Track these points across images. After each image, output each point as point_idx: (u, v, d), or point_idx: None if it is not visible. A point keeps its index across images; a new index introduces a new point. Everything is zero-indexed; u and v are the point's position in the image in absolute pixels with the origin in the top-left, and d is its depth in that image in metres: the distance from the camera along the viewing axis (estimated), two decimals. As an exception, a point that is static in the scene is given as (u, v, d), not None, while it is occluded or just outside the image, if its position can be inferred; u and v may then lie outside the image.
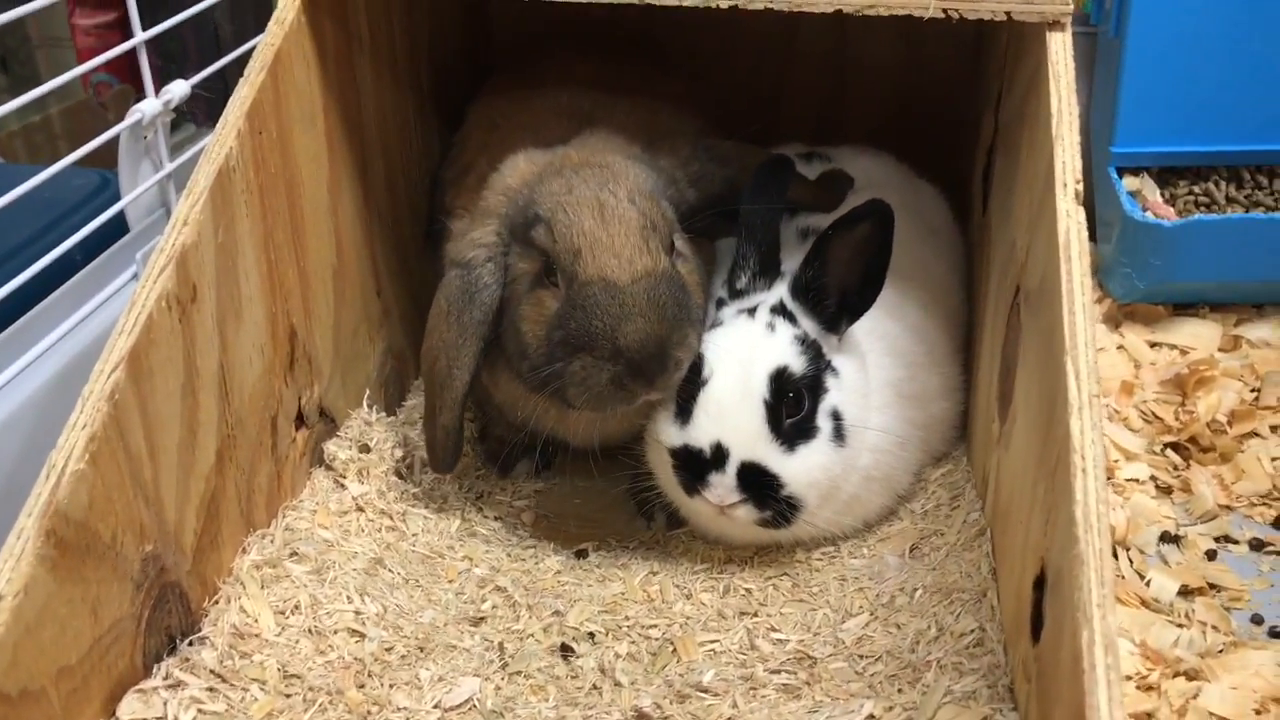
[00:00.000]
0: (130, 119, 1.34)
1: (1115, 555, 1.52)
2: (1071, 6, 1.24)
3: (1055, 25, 1.23)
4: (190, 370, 1.18)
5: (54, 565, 0.99)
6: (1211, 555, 1.53)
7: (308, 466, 1.44)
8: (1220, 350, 1.82)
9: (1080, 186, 1.13)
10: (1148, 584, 1.48)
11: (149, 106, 1.36)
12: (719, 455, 1.32)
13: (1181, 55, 1.80)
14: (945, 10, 1.24)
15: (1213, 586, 1.48)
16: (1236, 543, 1.56)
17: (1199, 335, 1.82)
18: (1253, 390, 1.74)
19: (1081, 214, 1.12)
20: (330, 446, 1.47)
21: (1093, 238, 1.98)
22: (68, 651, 1.02)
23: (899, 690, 1.21)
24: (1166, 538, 1.55)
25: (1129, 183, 1.86)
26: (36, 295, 1.24)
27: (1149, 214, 1.79)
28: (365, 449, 1.50)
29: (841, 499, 1.41)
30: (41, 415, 1.07)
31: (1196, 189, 1.88)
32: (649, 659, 1.29)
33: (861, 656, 1.28)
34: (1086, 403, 1.00)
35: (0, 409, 1.13)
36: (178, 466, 1.17)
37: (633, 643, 1.31)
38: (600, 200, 1.29)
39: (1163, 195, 1.87)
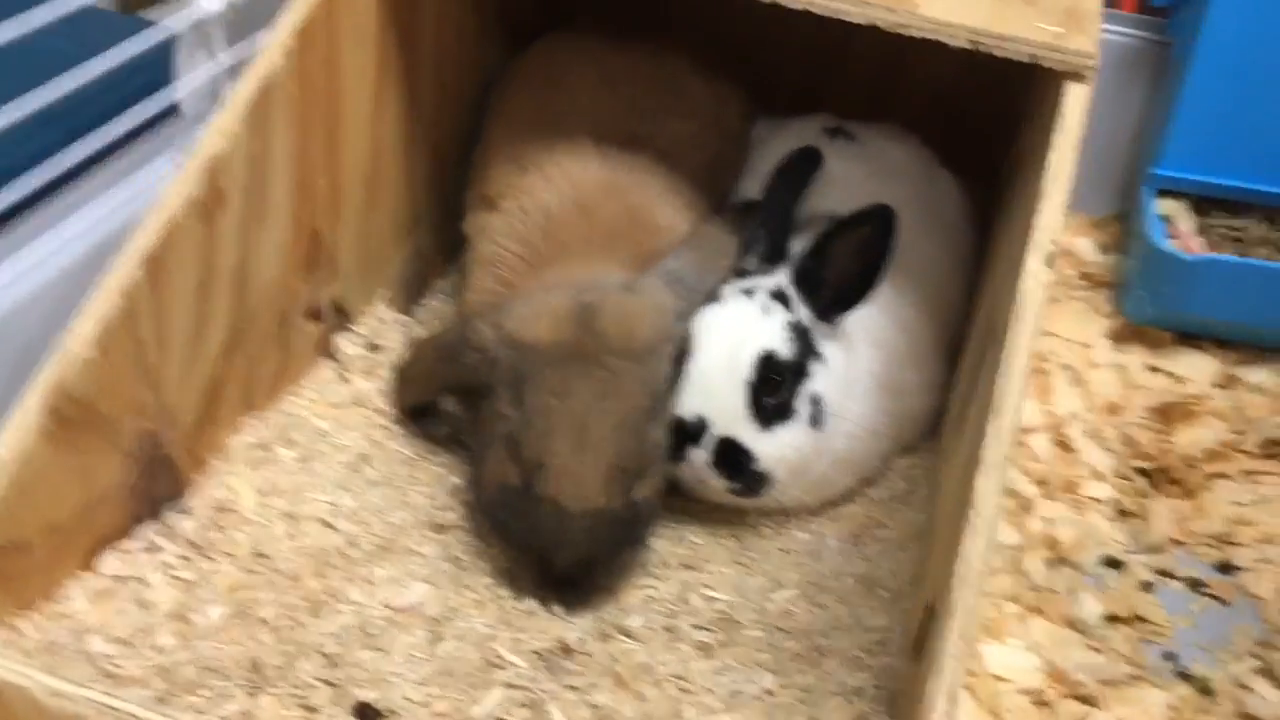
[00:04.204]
0: (191, 15, 1.43)
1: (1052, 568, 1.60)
2: (1097, 61, 1.25)
3: (1076, 77, 1.25)
4: (208, 269, 1.28)
5: (52, 437, 1.11)
6: (1147, 587, 1.59)
7: (316, 357, 1.55)
8: (1215, 386, 1.85)
9: (1056, 248, 1.17)
10: (1077, 605, 1.56)
11: (209, 4, 1.44)
12: (699, 427, 1.41)
13: (1245, 90, 1.79)
14: (973, 43, 1.26)
15: (1138, 617, 1.55)
16: (1176, 578, 1.61)
17: (1196, 368, 1.85)
18: (1236, 432, 1.78)
19: (1047, 275, 1.16)
20: (340, 341, 1.58)
21: (1122, 250, 2.00)
22: (57, 511, 1.15)
23: (800, 671, 1.31)
24: (1109, 561, 1.62)
25: (1165, 206, 1.87)
26: (84, 164, 1.34)
27: (1172, 242, 1.80)
28: (374, 347, 1.61)
29: (811, 478, 1.49)
30: (76, 285, 1.18)
31: (1235, 223, 1.88)
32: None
33: (779, 629, 1.38)
34: (995, 464, 1.07)
35: (38, 276, 1.24)
36: (183, 354, 1.28)
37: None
38: (586, 424, 1.28)
39: (1198, 224, 1.88)
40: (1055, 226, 1.17)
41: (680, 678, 1.30)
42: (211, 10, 1.43)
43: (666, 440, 1.39)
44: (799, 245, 1.50)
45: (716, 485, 1.44)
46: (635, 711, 1.25)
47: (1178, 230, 1.84)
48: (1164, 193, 1.88)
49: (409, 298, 1.73)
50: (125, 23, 1.56)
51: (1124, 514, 1.69)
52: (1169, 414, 1.79)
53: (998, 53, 1.26)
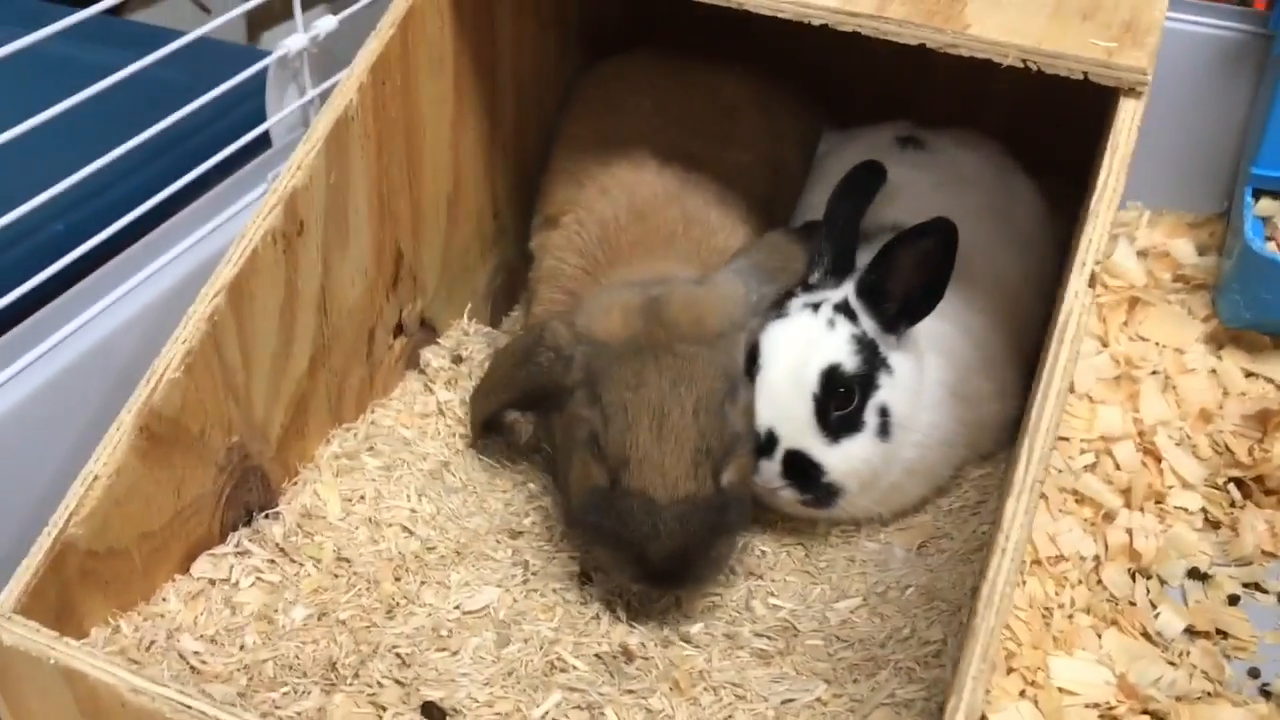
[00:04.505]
0: (277, 53, 1.52)
1: (1134, 579, 1.58)
2: (1150, 76, 1.24)
3: (1131, 92, 1.24)
4: (290, 293, 1.37)
5: (144, 454, 1.22)
6: (1234, 600, 1.56)
7: (403, 370, 1.64)
8: (1318, 393, 1.79)
9: (1099, 269, 1.16)
10: (1156, 617, 1.54)
11: (294, 42, 1.53)
12: (770, 442, 1.44)
13: (1349, 85, 1.72)
14: (1025, 61, 1.26)
15: (1220, 632, 1.52)
16: (1265, 592, 1.57)
17: (1295, 374, 1.79)
18: (1338, 442, 1.72)
19: (1090, 296, 1.16)
20: (426, 354, 1.66)
21: (1220, 251, 1.94)
22: (151, 520, 1.26)
23: (855, 680, 1.34)
24: (1194, 574, 1.59)
25: (1264, 207, 1.81)
26: (179, 197, 1.45)
27: (1270, 245, 1.75)
28: (458, 359, 1.69)
29: (882, 488, 1.51)
30: (170, 312, 1.28)
31: (1340, 225, 1.81)
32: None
33: (838, 639, 1.40)
34: (1027, 488, 1.07)
35: (133, 303, 1.35)
36: (270, 372, 1.38)
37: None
38: (664, 410, 1.30)
39: (1301, 225, 1.82)
40: (1100, 246, 1.17)
41: (736, 684, 1.34)
42: (298, 44, 1.52)
43: (750, 434, 1.41)
44: (865, 257, 1.52)
45: (788, 496, 1.47)
46: (689, 716, 1.29)
47: (1277, 232, 1.78)
48: (1263, 193, 1.82)
49: (496, 310, 1.80)
50: (231, 52, 1.67)
51: (1213, 525, 1.66)
52: (1265, 421, 1.74)
53: (1049, 71, 1.26)
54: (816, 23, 1.32)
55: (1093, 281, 1.16)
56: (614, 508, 1.32)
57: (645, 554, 1.31)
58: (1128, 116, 1.23)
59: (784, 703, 1.31)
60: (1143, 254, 1.95)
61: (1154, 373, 1.80)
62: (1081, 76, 1.25)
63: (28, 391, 1.24)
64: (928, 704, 1.27)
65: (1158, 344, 1.84)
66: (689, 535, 1.31)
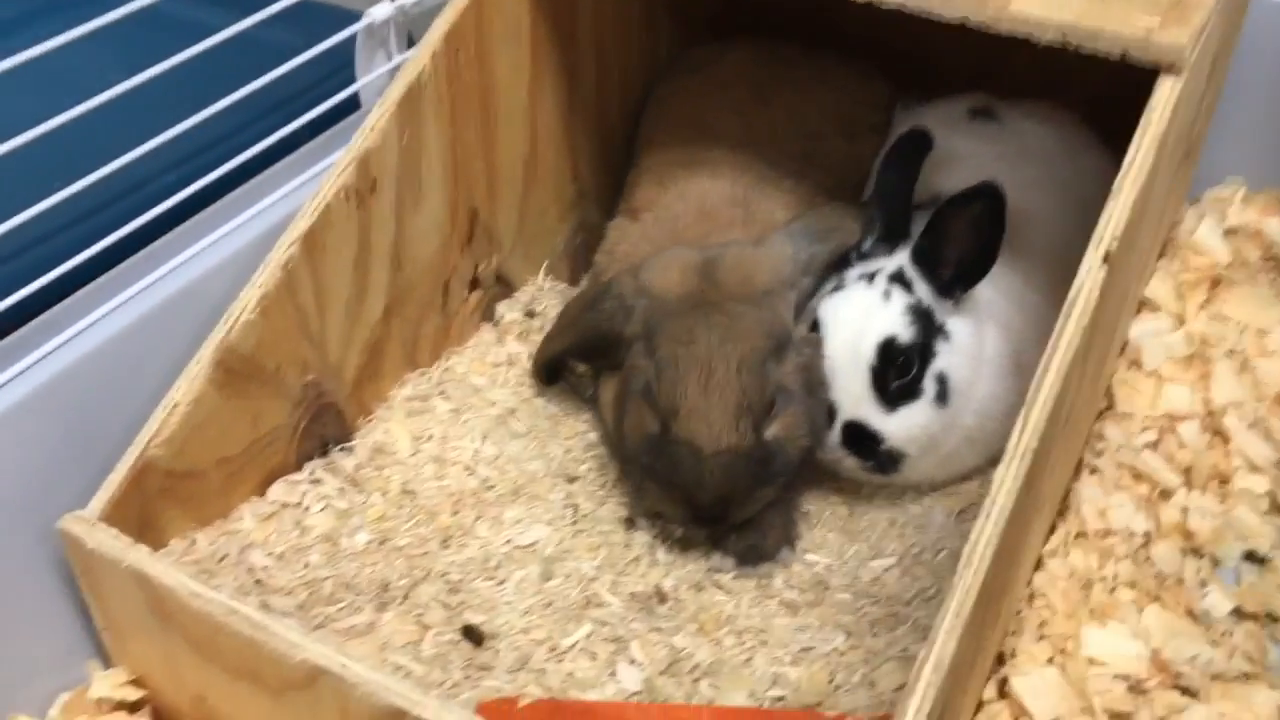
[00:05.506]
0: (365, 20, 1.63)
1: (1184, 557, 1.57)
2: (1191, 55, 1.23)
3: (1170, 69, 1.24)
4: (363, 245, 1.49)
5: (221, 385, 1.35)
6: (1290, 584, 1.54)
7: (478, 321, 1.75)
8: (1407, 380, 1.73)
9: (1115, 247, 1.18)
10: (1204, 596, 1.53)
11: (380, 11, 1.64)
12: (830, 414, 1.51)
13: None
14: (1064, 39, 1.27)
15: (1270, 615, 1.51)
16: (1324, 579, 1.56)
17: (1385, 360, 1.74)
18: None
19: (1104, 272, 1.17)
20: (500, 307, 1.77)
21: (1316, 231, 1.89)
22: (228, 446, 1.40)
23: (874, 634, 1.39)
24: (1252, 556, 1.57)
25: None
26: (273, 154, 1.58)
27: (1358, 226, 1.70)
28: (531, 314, 1.78)
29: (942, 454, 1.56)
30: (256, 260, 1.41)
31: None
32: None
33: (867, 595, 1.46)
34: (1018, 455, 1.11)
35: (224, 250, 1.49)
36: (344, 318, 1.50)
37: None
38: (711, 365, 1.40)
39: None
40: (1120, 224, 1.18)
41: (760, 630, 1.41)
42: (383, 13, 1.63)
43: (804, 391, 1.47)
44: (923, 226, 1.55)
45: (850, 465, 1.53)
46: (709, 656, 1.37)
47: (1373, 212, 1.73)
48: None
49: (575, 268, 1.89)
50: (330, 15, 1.79)
51: (1278, 509, 1.63)
52: (1347, 406, 1.70)
53: (1088, 49, 1.26)
54: (860, 0, 1.36)
55: (1108, 259, 1.18)
56: (664, 453, 1.43)
57: (692, 498, 1.42)
58: (1164, 95, 1.23)
59: (802, 650, 1.38)
60: (1232, 232, 1.91)
61: (1230, 353, 1.77)
62: (1120, 56, 1.25)
63: (125, 325, 1.38)
64: (937, 660, 1.31)
65: (1238, 324, 1.81)
66: (732, 483, 1.41)
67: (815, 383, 1.50)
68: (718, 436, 1.39)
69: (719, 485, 1.40)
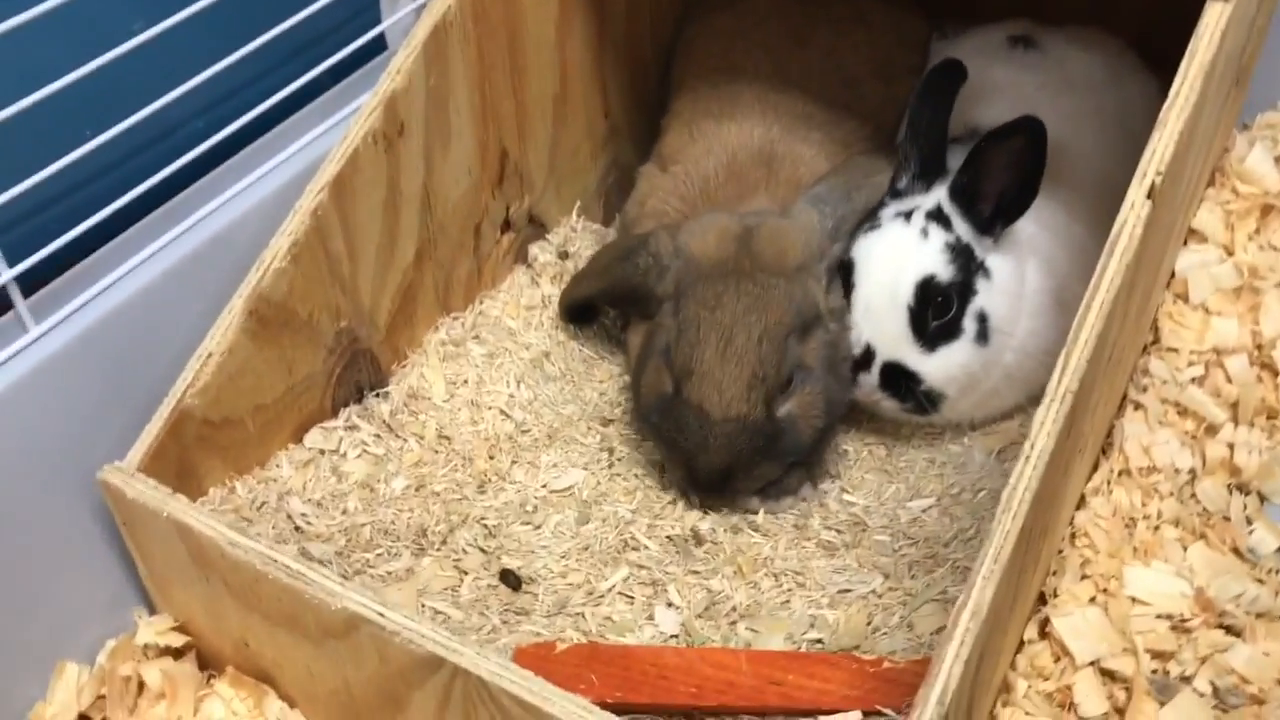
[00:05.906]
0: (393, -39, 1.61)
1: (1230, 494, 1.54)
2: (1241, -25, 1.18)
3: (1219, -8, 1.19)
4: (393, 190, 1.47)
5: (254, 334, 1.35)
6: (1341, 521, 1.52)
7: (511, 263, 1.73)
8: None
9: (1160, 182, 1.14)
10: (1250, 533, 1.51)
11: (407, -49, 1.61)
12: (867, 355, 1.49)
13: None
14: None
15: (1318, 551, 1.49)
16: (1375, 515, 1.53)
17: None
18: None
19: (1148, 208, 1.14)
20: (534, 249, 1.75)
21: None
22: (264, 394, 1.40)
23: (912, 576, 1.38)
24: (1303, 493, 1.55)
25: None
26: (297, 99, 1.56)
27: None
28: (564, 255, 1.77)
29: (982, 392, 1.54)
30: (285, 206, 1.41)
31: None
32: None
33: (906, 536, 1.45)
34: (1059, 397, 1.08)
35: (251, 197, 1.48)
36: (376, 263, 1.49)
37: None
38: (732, 333, 1.38)
39: None
40: (1165, 156, 1.14)
41: (798, 572, 1.40)
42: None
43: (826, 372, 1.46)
44: (959, 161, 1.51)
45: (889, 406, 1.52)
46: (746, 598, 1.36)
47: None
48: None
49: (609, 207, 1.87)
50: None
51: (1333, 447, 1.60)
52: None
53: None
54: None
55: (1152, 194, 1.14)
56: (673, 414, 1.42)
57: (693, 463, 1.42)
58: (1212, 20, 1.19)
59: (840, 592, 1.37)
60: (1285, 159, 1.85)
61: (1280, 284, 1.73)
62: (1165, -22, 1.21)
63: (157, 274, 1.38)
64: (975, 602, 1.30)
65: (1293, 256, 1.76)
66: (734, 453, 1.40)
67: (839, 359, 1.48)
68: (727, 404, 1.38)
69: (721, 454, 1.40)
